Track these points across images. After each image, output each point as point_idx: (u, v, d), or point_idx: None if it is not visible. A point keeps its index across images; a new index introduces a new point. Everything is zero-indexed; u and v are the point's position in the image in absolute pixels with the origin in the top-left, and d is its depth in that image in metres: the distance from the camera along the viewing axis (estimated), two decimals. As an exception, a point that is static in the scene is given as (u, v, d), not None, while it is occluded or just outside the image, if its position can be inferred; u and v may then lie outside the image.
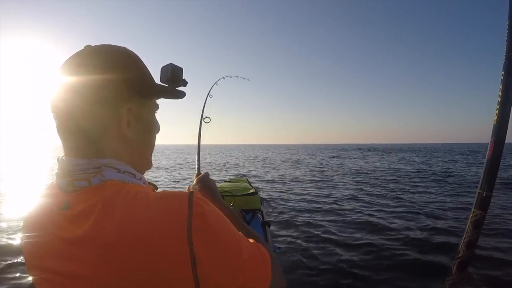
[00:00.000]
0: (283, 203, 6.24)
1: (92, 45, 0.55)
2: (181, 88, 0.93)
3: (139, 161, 0.58)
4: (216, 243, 0.45)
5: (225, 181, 2.97)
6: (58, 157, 0.54)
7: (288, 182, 9.64)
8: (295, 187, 8.51)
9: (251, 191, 2.44)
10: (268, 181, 9.91)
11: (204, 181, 0.90)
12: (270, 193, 7.51)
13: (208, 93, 1.22)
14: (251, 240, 0.55)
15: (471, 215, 0.75)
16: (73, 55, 0.54)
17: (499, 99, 0.80)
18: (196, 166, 1.15)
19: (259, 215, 2.28)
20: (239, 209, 2.18)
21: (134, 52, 0.58)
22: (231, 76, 1.43)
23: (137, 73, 0.56)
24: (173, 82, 0.87)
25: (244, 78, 1.57)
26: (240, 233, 0.52)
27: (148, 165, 0.62)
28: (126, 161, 0.54)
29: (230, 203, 2.20)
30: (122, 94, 0.53)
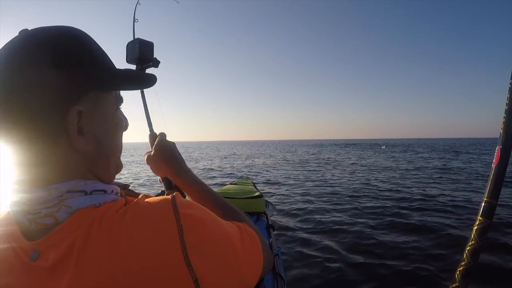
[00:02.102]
0: (289, 205, 6.23)
1: (29, 29, 0.42)
2: (151, 70, 0.73)
3: (105, 172, 0.47)
4: (213, 252, 0.41)
5: (230, 183, 2.98)
6: (7, 183, 0.43)
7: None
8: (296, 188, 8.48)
9: (256, 194, 2.44)
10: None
11: (164, 149, 0.70)
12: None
13: (134, 17, 0.97)
14: (236, 224, 0.51)
15: (476, 223, 0.75)
16: (4, 47, 0.41)
17: (506, 108, 0.80)
18: (147, 123, 0.90)
19: (263, 218, 2.28)
20: (244, 211, 2.18)
21: (84, 32, 0.44)
22: None
23: (89, 62, 0.42)
24: (142, 63, 0.69)
25: None
26: (225, 223, 0.47)
27: (117, 168, 0.51)
28: (89, 175, 0.44)
29: (235, 206, 2.20)
30: (68, 94, 0.40)
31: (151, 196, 0.48)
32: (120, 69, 0.48)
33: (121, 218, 0.39)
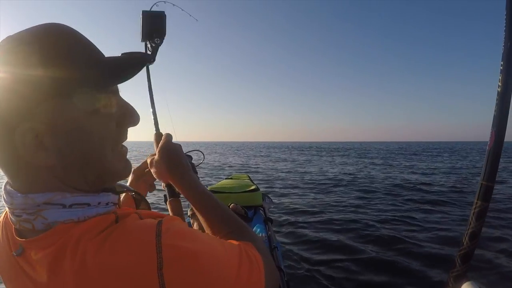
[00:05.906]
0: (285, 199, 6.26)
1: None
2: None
3: (93, 177, 0.43)
4: (194, 283, 0.37)
5: (226, 178, 2.97)
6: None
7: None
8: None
9: (253, 187, 2.44)
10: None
11: (169, 154, 0.65)
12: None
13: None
14: (238, 245, 0.48)
15: (474, 206, 0.75)
16: None
17: (499, 90, 0.80)
18: (153, 123, 0.86)
19: (261, 211, 2.29)
20: (241, 205, 2.19)
21: (71, 29, 0.41)
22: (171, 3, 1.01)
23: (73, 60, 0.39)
24: (152, 37, 0.75)
25: (190, 15, 1.09)
26: (222, 248, 0.44)
27: (118, 173, 0.46)
28: (72, 182, 0.42)
29: (232, 201, 2.21)
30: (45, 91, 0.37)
31: (148, 213, 0.46)
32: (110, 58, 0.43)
33: (99, 245, 0.36)
